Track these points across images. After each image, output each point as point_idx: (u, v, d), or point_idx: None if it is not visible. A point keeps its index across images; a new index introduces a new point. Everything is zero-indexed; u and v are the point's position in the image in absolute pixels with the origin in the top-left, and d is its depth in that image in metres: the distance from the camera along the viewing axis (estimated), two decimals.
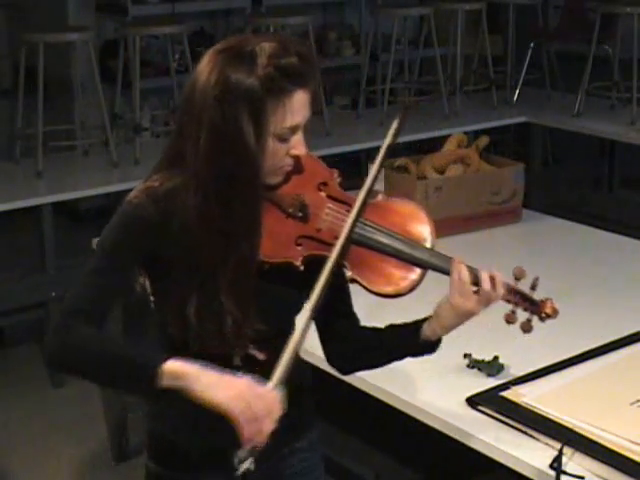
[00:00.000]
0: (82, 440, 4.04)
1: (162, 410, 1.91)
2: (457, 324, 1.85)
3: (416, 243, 1.81)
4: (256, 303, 1.78)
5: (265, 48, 1.69)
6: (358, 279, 1.79)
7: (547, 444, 2.12)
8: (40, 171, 4.63)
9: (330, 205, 1.81)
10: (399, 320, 1.95)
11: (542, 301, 1.87)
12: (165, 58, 5.65)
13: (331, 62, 6.68)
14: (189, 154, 1.72)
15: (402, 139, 5.42)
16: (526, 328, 1.86)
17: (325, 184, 1.82)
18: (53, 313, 4.42)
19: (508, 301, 1.85)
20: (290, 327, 1.80)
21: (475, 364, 2.50)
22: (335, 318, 1.94)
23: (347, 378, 2.51)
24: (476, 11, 6.08)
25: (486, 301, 1.81)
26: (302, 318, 1.70)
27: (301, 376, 1.99)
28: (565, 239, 3.56)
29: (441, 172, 3.67)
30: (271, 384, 1.66)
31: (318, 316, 1.86)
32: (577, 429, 2.14)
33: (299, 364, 1.97)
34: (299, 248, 1.78)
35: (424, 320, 1.88)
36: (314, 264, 1.74)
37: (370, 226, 1.80)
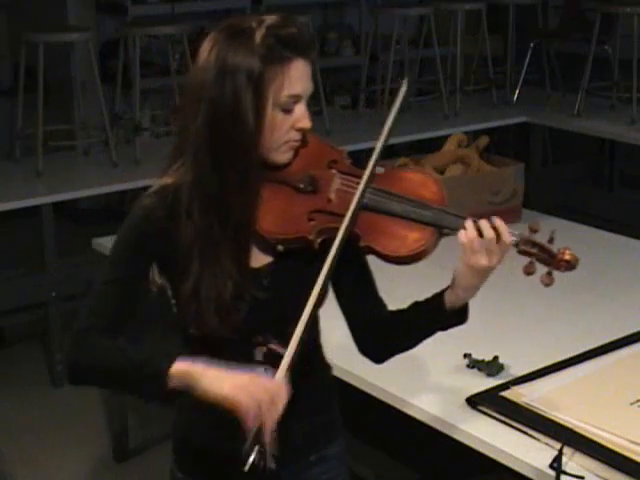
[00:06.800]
0: (82, 440, 4.04)
1: (185, 417, 1.92)
2: (478, 283, 1.78)
3: (427, 204, 1.78)
4: (279, 290, 1.79)
5: (265, 21, 1.73)
6: (372, 245, 1.76)
7: (547, 444, 2.13)
8: (40, 171, 4.64)
9: (340, 177, 1.81)
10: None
11: (559, 250, 1.79)
12: (165, 58, 5.65)
13: (331, 62, 6.69)
14: (190, 131, 1.74)
15: (402, 139, 5.43)
16: (547, 281, 1.77)
17: (335, 161, 1.83)
18: (53, 313, 4.43)
19: (524, 253, 1.78)
20: (313, 321, 1.81)
21: (475, 364, 2.50)
22: (362, 305, 1.92)
23: (347, 379, 2.51)
24: (476, 11, 6.08)
25: (497, 252, 1.75)
26: (313, 293, 1.69)
27: (327, 379, 1.99)
28: (565, 239, 3.55)
29: (441, 172, 3.67)
30: (278, 374, 1.66)
31: (345, 305, 1.89)
32: (577, 429, 2.14)
33: (323, 366, 1.97)
34: (312, 223, 1.77)
35: (445, 290, 1.83)
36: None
37: (380, 191, 1.79)
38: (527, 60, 6.24)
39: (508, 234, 1.75)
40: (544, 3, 6.66)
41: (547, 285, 1.78)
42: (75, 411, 4.20)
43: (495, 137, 4.97)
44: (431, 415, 2.32)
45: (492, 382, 2.41)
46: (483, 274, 1.77)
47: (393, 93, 6.09)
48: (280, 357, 1.74)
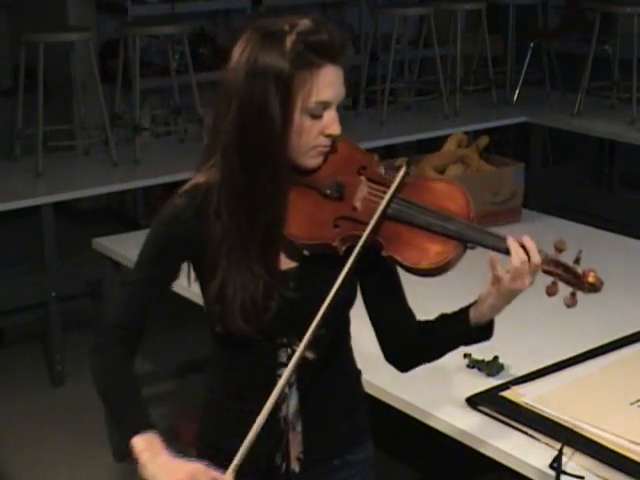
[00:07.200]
0: (82, 439, 4.04)
1: (211, 412, 1.93)
2: (505, 304, 1.79)
3: (451, 216, 1.77)
4: (306, 294, 1.78)
5: (297, 25, 1.74)
6: (394, 256, 1.75)
7: (547, 444, 2.13)
8: (40, 171, 4.64)
9: (367, 185, 1.80)
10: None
11: (584, 272, 1.76)
12: (165, 58, 5.65)
13: None
14: (220, 130, 1.75)
15: (402, 139, 5.43)
16: (570, 303, 1.75)
17: (365, 168, 1.82)
18: (53, 313, 4.43)
19: (548, 272, 1.76)
20: (341, 323, 1.82)
21: (475, 364, 2.50)
22: (388, 313, 1.91)
23: None
24: (476, 11, 6.08)
25: (528, 274, 1.74)
26: (327, 298, 1.68)
27: (355, 384, 1.98)
28: (565, 239, 3.55)
29: (441, 172, 3.67)
30: (230, 469, 1.65)
31: (371, 311, 1.89)
32: (577, 429, 2.14)
33: (352, 370, 1.96)
34: (337, 229, 1.76)
35: (471, 305, 1.83)
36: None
37: (406, 201, 1.78)
38: (527, 60, 6.24)
39: (537, 254, 1.75)
40: (544, 3, 6.66)
41: (569, 306, 1.76)
42: (75, 411, 4.20)
43: (495, 137, 4.97)
44: (431, 415, 2.31)
45: (492, 382, 2.41)
46: (512, 296, 1.77)
47: (393, 93, 6.10)
48: (306, 361, 1.73)
